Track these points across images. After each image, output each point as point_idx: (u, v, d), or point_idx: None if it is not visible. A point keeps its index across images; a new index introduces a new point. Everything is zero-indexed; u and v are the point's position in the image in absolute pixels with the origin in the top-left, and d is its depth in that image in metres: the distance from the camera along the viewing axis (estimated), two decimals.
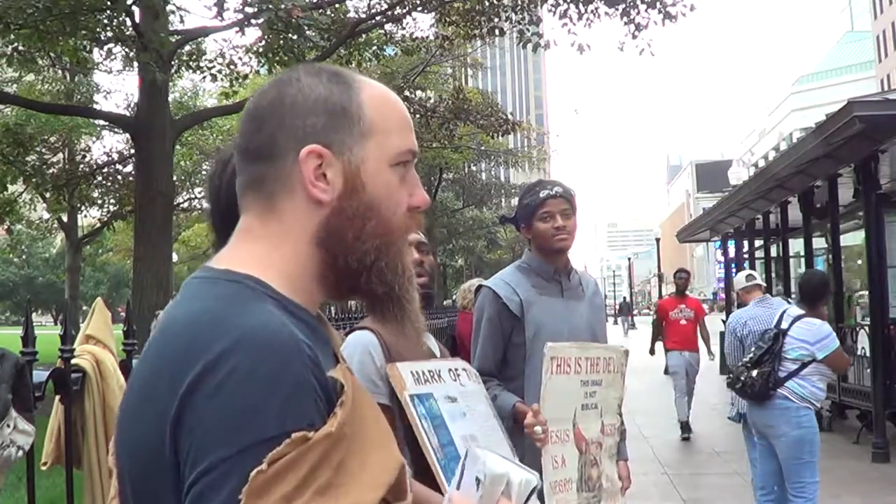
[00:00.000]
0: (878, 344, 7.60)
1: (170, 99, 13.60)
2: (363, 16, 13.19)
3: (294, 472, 0.72)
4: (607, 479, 2.49)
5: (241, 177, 0.93)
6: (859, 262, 11.87)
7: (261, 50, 12.22)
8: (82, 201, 18.59)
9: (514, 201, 23.55)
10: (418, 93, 19.18)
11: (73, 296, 22.80)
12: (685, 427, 8.70)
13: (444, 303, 9.64)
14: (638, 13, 11.92)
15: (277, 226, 0.89)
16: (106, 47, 13.68)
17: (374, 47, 14.59)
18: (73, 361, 2.40)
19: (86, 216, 23.23)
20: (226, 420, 0.73)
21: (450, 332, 6.33)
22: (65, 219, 22.03)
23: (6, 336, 10.23)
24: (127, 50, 12.66)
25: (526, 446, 2.28)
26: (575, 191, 2.72)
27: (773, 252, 13.80)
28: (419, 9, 13.72)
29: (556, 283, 2.66)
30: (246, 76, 13.20)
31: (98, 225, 22.90)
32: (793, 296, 10.36)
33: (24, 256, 46.12)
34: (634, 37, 12.12)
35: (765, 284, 6.06)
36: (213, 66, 12.99)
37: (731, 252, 16.40)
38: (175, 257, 21.70)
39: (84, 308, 25.37)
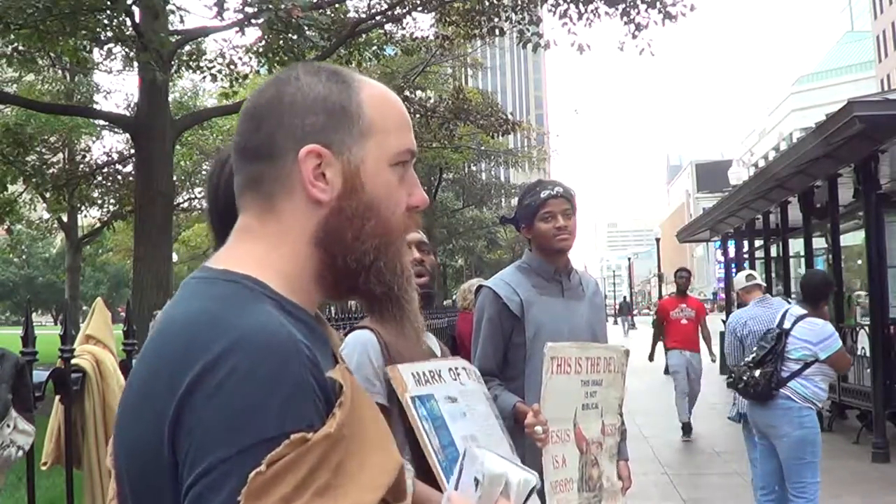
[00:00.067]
0: (878, 344, 7.60)
1: (170, 99, 13.60)
2: (363, 16, 13.18)
3: (293, 473, 0.72)
4: (608, 479, 2.49)
5: (240, 176, 0.93)
6: (859, 262, 11.87)
7: (261, 50, 12.21)
8: (82, 201, 18.59)
9: (514, 201, 23.53)
10: (418, 93, 19.18)
11: (73, 296, 22.79)
12: (686, 428, 8.68)
13: (444, 303, 9.63)
14: (638, 13, 11.91)
15: (276, 225, 0.89)
16: (106, 47, 13.70)
17: (374, 47, 14.58)
18: (73, 361, 2.40)
19: (86, 216, 23.24)
20: (224, 421, 0.73)
21: (450, 333, 6.33)
22: (65, 219, 22.03)
23: (6, 336, 10.23)
24: (127, 50, 12.66)
25: (526, 446, 2.28)
26: (575, 191, 2.72)
27: (773, 252, 13.80)
28: (419, 9, 13.71)
29: (557, 283, 2.66)
30: (246, 76, 13.19)
31: (98, 225, 22.90)
32: (793, 296, 10.37)
33: (24, 256, 46.12)
34: (634, 37, 12.12)
35: (765, 284, 6.06)
36: (213, 66, 12.98)
37: (731, 252, 16.40)
38: (175, 257, 21.70)
39: (84, 308, 25.37)
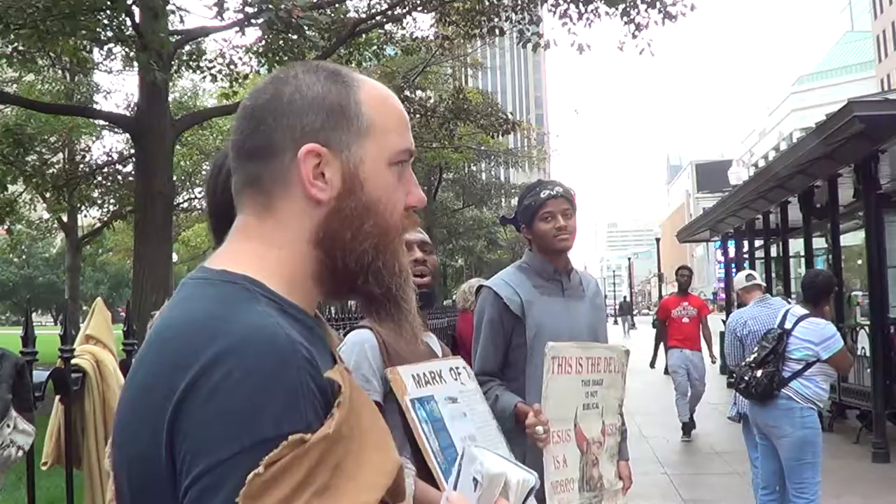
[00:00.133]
0: (878, 344, 7.60)
1: (170, 99, 13.59)
2: (363, 16, 13.18)
3: (291, 474, 0.71)
4: (608, 479, 2.49)
5: (238, 176, 0.92)
6: (859, 262, 11.88)
7: (261, 50, 12.21)
8: (82, 201, 18.57)
9: (514, 201, 23.52)
10: (418, 93, 19.16)
11: (73, 296, 22.76)
12: (686, 428, 8.66)
13: (444, 303, 9.64)
14: (638, 13, 11.90)
15: (274, 225, 0.89)
16: (106, 47, 13.69)
17: (374, 47, 14.58)
18: (73, 361, 2.40)
19: (86, 216, 23.21)
20: (222, 423, 0.72)
21: (450, 333, 6.33)
22: (65, 219, 22.00)
23: (6, 336, 10.23)
24: (127, 50, 12.65)
25: (527, 446, 2.28)
26: (575, 191, 2.72)
27: (773, 252, 13.81)
28: (419, 9, 13.71)
29: (557, 283, 2.66)
30: (246, 76, 13.20)
31: (98, 225, 22.88)
32: (793, 296, 10.37)
33: (24, 256, 46.08)
34: (634, 37, 12.11)
35: (764, 284, 6.05)
36: (213, 66, 12.99)
37: (731, 252, 16.40)
38: (175, 257, 21.72)
39: (84, 308, 25.35)
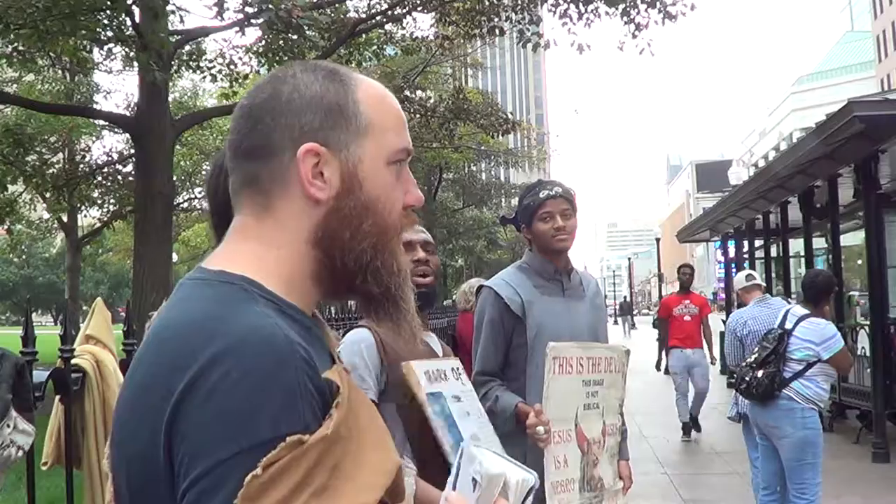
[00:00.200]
0: (878, 344, 7.60)
1: (170, 99, 13.60)
2: (363, 15, 13.18)
3: (289, 476, 0.71)
4: (609, 479, 2.49)
5: (235, 175, 0.92)
6: (859, 262, 11.88)
7: (261, 50, 12.21)
8: (82, 201, 18.57)
9: (514, 201, 23.51)
10: (418, 93, 19.15)
11: (73, 296, 22.76)
12: (686, 428, 8.65)
13: (444, 303, 9.63)
14: (638, 13, 11.90)
15: (273, 225, 0.88)
16: (106, 47, 13.68)
17: (374, 47, 14.58)
18: (73, 361, 2.40)
19: (86, 216, 23.21)
20: (220, 424, 0.72)
21: (450, 333, 6.33)
22: (65, 219, 22.00)
23: (6, 336, 10.23)
24: (127, 50, 12.65)
25: (528, 446, 2.28)
26: (575, 191, 2.72)
27: (773, 252, 13.80)
28: (419, 9, 13.71)
29: (558, 282, 2.66)
30: (246, 76, 13.20)
31: (98, 225, 22.88)
32: (793, 296, 10.37)
33: (24, 256, 46.07)
34: (634, 36, 12.11)
35: (764, 284, 6.05)
36: (213, 66, 12.99)
37: (731, 252, 16.40)
38: (175, 257, 21.71)
39: (84, 308, 25.35)
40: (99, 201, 19.26)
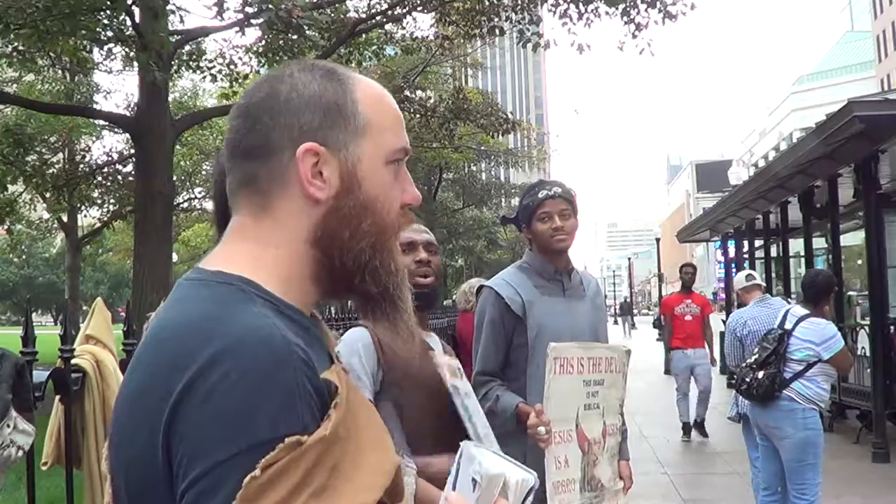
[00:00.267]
0: (878, 344, 7.60)
1: (170, 99, 13.60)
2: (363, 15, 13.18)
3: (288, 477, 0.71)
4: (609, 479, 2.49)
5: (233, 175, 0.92)
6: (859, 262, 11.88)
7: (261, 50, 12.22)
8: (82, 201, 18.57)
9: (514, 201, 23.50)
10: (418, 93, 19.14)
11: (73, 296, 22.76)
12: (686, 428, 8.64)
13: (444, 303, 9.63)
14: (638, 13, 11.89)
15: (271, 225, 0.88)
16: (106, 47, 13.68)
17: (374, 47, 14.58)
18: (73, 361, 2.40)
19: (86, 216, 23.21)
20: (218, 425, 0.72)
21: (450, 333, 6.33)
22: (65, 219, 22.00)
23: (6, 336, 10.23)
24: (127, 50, 12.66)
25: (528, 446, 2.28)
26: (576, 191, 2.72)
27: (773, 252, 13.80)
28: (419, 9, 13.71)
29: (558, 282, 2.65)
30: (246, 76, 13.20)
31: (98, 225, 22.88)
32: (793, 296, 10.37)
33: (24, 256, 46.08)
34: (634, 36, 12.10)
35: (764, 284, 6.05)
36: (213, 66, 13.00)
37: (731, 252, 16.40)
38: (175, 257, 21.68)
39: (84, 308, 25.34)
40: (99, 201, 19.26)
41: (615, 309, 51.70)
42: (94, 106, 18.88)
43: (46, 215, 23.26)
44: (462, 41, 16.28)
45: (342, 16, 12.39)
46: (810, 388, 4.32)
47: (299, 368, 0.76)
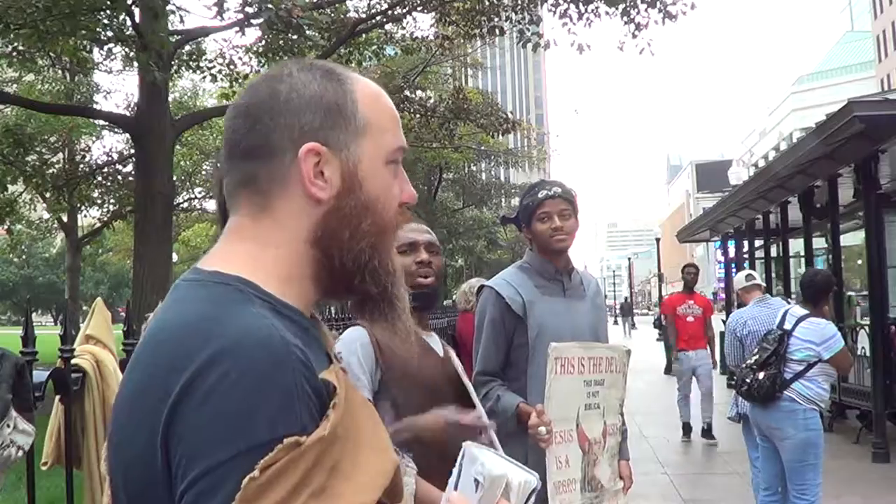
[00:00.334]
0: (878, 344, 7.60)
1: (170, 99, 13.60)
2: (363, 15, 13.18)
3: (287, 477, 0.71)
4: (609, 478, 2.49)
5: (232, 176, 0.91)
6: (859, 262, 11.87)
7: (261, 50, 12.22)
8: (82, 201, 18.57)
9: (514, 201, 23.48)
10: (418, 93, 19.14)
11: (73, 296, 22.76)
12: (687, 428, 8.63)
13: (444, 303, 9.62)
14: (638, 13, 11.89)
15: (271, 225, 0.88)
16: (106, 47, 13.68)
17: (374, 47, 14.58)
18: (73, 361, 2.40)
19: (86, 216, 23.21)
20: (217, 426, 0.72)
21: (450, 333, 6.33)
22: (65, 219, 22.00)
23: (6, 336, 10.23)
24: (127, 50, 12.66)
25: (529, 446, 2.28)
26: (576, 191, 2.71)
27: (773, 252, 13.81)
28: (419, 9, 13.71)
29: (558, 282, 2.65)
30: (246, 76, 13.19)
31: (98, 225, 22.88)
32: (793, 296, 10.36)
33: (24, 256, 46.08)
34: (634, 36, 12.10)
35: (764, 284, 6.04)
36: (213, 66, 13.00)
37: (731, 252, 16.40)
38: (175, 257, 21.68)
39: (84, 308, 25.34)
40: (99, 201, 19.26)
41: (615, 309, 51.67)
42: (94, 106, 18.87)
43: (46, 215, 23.26)
44: (462, 41, 16.28)
45: (342, 16, 12.39)
46: (811, 388, 4.31)
47: (297, 369, 0.76)
